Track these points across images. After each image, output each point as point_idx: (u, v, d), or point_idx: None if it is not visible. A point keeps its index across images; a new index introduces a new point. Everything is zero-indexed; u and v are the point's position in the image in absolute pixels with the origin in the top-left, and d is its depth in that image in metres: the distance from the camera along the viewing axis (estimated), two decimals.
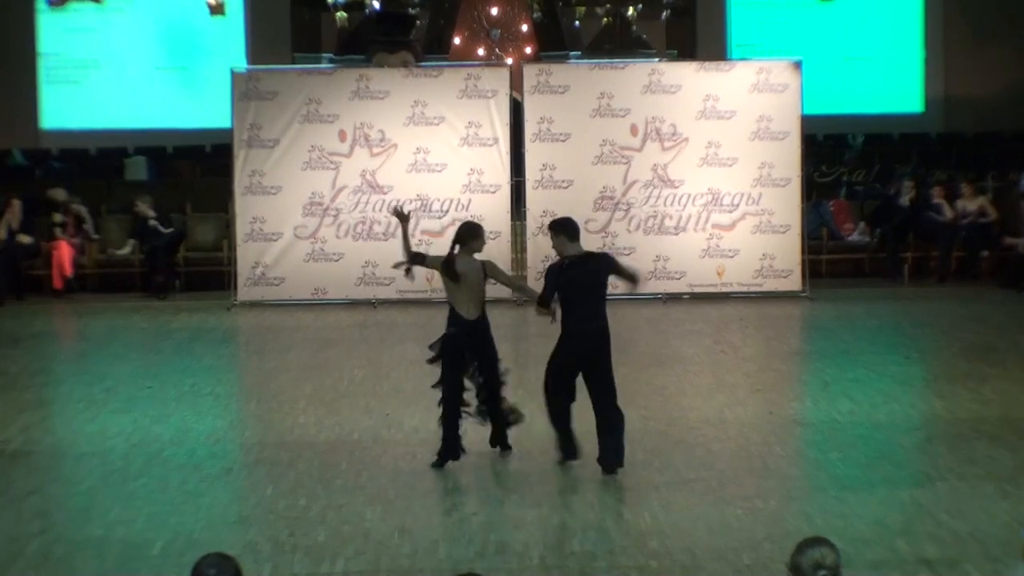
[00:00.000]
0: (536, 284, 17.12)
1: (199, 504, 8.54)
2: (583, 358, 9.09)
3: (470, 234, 9.41)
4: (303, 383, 12.41)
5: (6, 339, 15.32)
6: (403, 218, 9.59)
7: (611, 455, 9.04)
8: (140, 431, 10.53)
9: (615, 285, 9.45)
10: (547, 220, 16.87)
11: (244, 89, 17.64)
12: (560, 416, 9.24)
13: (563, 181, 17.54)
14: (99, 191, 20.93)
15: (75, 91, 24.54)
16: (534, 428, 9.82)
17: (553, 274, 9.10)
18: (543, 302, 9.10)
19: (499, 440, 9.65)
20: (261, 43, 24.61)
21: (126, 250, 19.30)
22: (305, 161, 17.51)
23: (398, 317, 16.37)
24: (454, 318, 9.39)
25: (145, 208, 18.83)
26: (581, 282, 9.02)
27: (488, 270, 9.45)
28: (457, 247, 9.37)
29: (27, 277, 18.69)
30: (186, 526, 8.05)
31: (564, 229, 9.24)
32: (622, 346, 14.62)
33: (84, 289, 19.01)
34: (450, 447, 9.35)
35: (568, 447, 9.32)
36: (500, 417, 9.61)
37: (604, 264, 9.32)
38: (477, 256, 9.45)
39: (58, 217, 19.09)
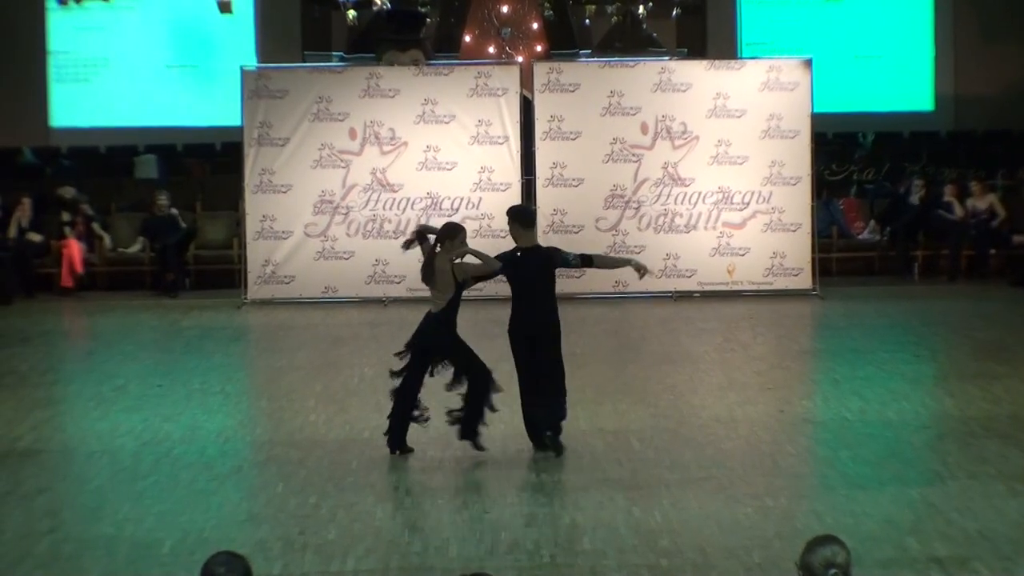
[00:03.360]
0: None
1: (209, 503, 8.54)
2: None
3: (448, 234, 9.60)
4: (313, 381, 12.42)
5: (16, 337, 15.34)
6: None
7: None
8: (150, 429, 10.53)
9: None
10: (558, 219, 17.07)
11: (254, 87, 17.65)
12: None
13: (573, 179, 17.53)
14: (109, 189, 20.95)
15: (85, 89, 24.54)
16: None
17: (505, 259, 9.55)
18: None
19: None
20: (271, 41, 24.59)
21: (136, 248, 19.33)
22: (315, 159, 17.52)
23: (408, 315, 16.22)
24: None
25: (164, 205, 18.86)
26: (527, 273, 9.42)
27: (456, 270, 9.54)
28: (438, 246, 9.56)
29: (37, 275, 18.71)
30: (196, 524, 8.04)
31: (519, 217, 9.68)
32: (633, 344, 14.71)
33: (94, 287, 19.03)
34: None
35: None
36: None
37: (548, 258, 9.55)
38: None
39: (66, 215, 19.12)
